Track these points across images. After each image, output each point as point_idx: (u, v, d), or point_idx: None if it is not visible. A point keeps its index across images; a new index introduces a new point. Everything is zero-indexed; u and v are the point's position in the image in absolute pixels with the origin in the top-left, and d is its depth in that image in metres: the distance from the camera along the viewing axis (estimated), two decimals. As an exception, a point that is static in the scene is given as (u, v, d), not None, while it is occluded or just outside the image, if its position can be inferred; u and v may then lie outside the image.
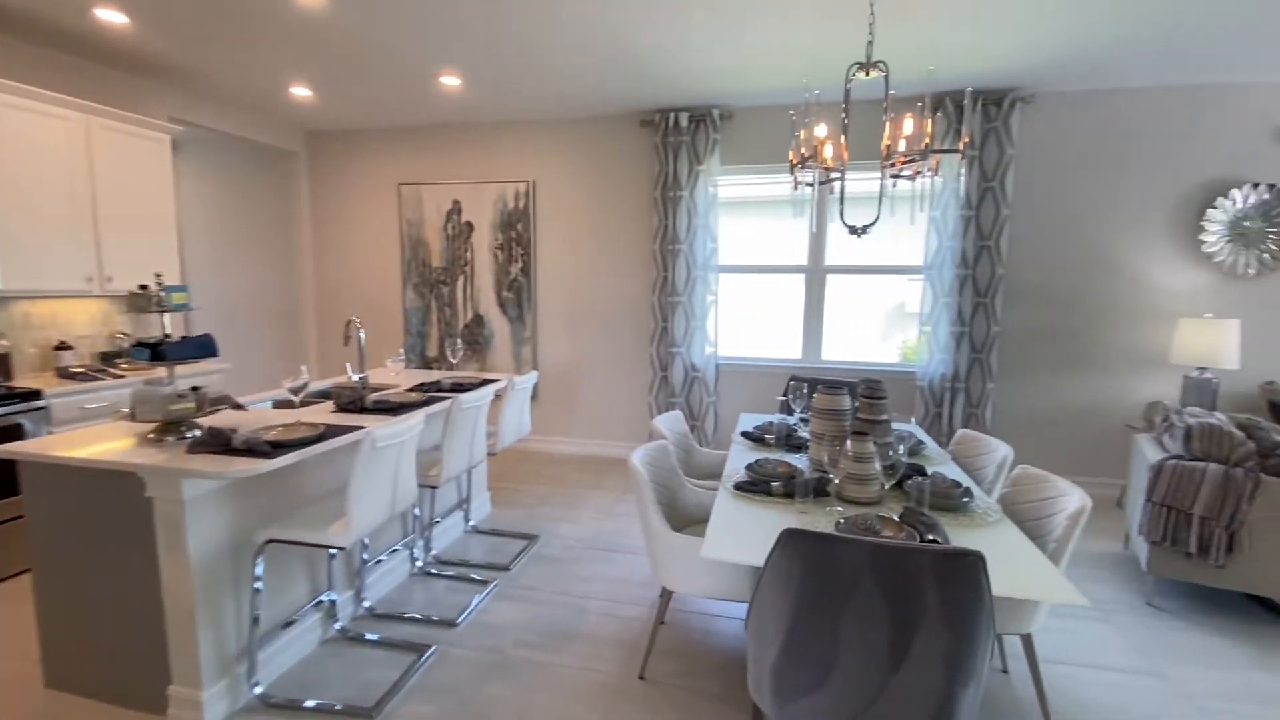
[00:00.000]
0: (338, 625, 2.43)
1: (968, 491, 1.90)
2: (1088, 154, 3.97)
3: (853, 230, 2.15)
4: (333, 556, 2.44)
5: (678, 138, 4.34)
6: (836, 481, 1.91)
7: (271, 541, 1.98)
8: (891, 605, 1.23)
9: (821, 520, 1.75)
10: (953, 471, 2.26)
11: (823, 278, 4.48)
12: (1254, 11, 2.79)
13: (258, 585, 2.02)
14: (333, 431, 2.16)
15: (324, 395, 3.01)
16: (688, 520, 2.40)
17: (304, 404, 2.64)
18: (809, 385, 3.29)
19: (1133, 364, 4.05)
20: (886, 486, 1.89)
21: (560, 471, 4.53)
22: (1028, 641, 1.88)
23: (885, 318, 5.13)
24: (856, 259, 4.50)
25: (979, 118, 3.94)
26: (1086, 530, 3.66)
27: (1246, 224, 3.79)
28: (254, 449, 1.88)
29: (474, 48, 3.31)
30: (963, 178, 3.99)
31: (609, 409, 4.88)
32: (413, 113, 4.61)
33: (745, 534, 1.65)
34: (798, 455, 2.42)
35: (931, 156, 1.93)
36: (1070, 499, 1.86)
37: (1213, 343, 3.57)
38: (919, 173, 2.01)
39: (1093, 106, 3.92)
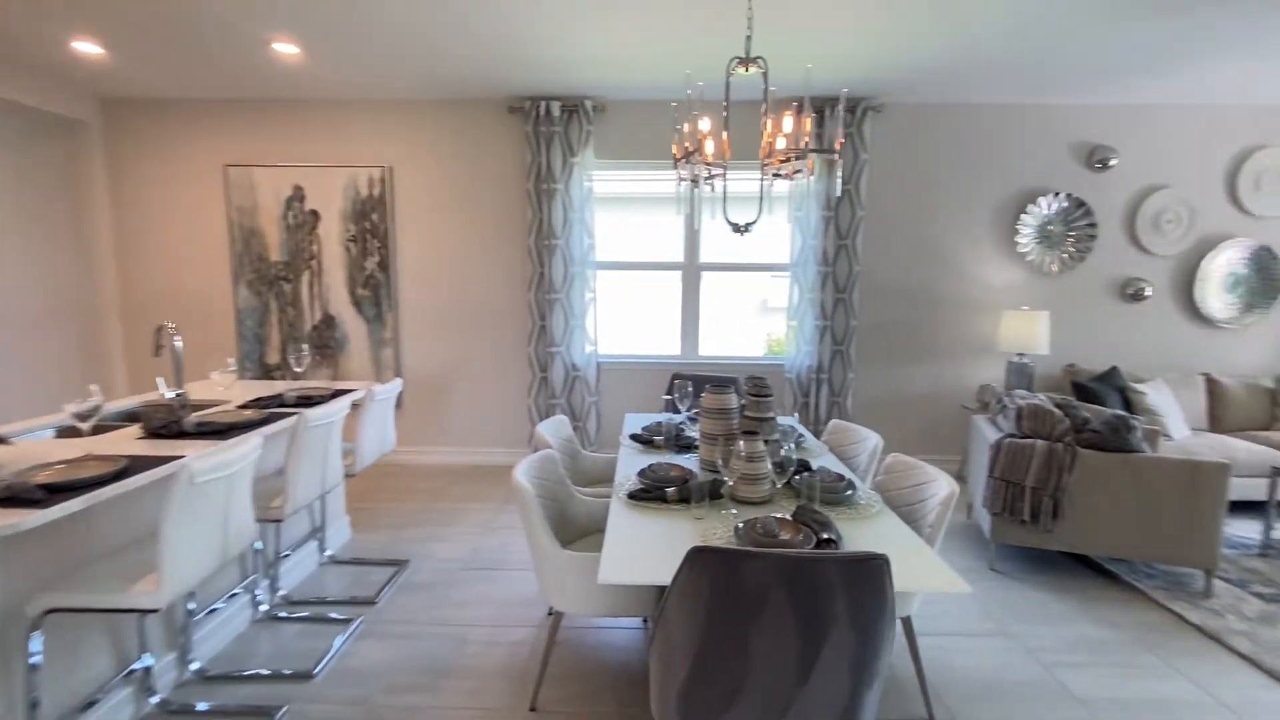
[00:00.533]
0: (156, 698, 2.00)
1: (851, 484, 1.95)
2: (929, 161, 4.36)
3: (736, 228, 2.12)
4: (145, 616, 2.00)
5: (550, 128, 4.16)
6: (730, 483, 1.87)
7: (53, 611, 1.56)
8: (801, 617, 1.19)
9: (719, 526, 1.69)
10: (832, 463, 2.33)
11: (698, 274, 4.53)
12: (1057, 43, 3.18)
13: (34, 659, 1.59)
14: (138, 465, 1.76)
15: (130, 418, 2.49)
16: (579, 532, 2.27)
17: (97, 431, 2.14)
18: (693, 383, 3.29)
19: (966, 351, 4.53)
20: (778, 485, 1.89)
21: (433, 485, 4.18)
22: (907, 624, 1.97)
23: (752, 313, 5.33)
24: (730, 256, 4.60)
25: (839, 123, 4.18)
26: (935, 504, 4.06)
27: (1051, 228, 4.37)
28: (18, 496, 1.46)
29: (313, 12, 2.90)
30: (838, 179, 4.21)
31: (486, 414, 4.60)
32: (240, 83, 3.99)
33: (644, 550, 1.55)
34: (688, 456, 2.38)
35: (809, 157, 1.95)
36: (939, 484, 1.97)
37: (1028, 332, 4.08)
38: (797, 172, 2.02)
39: (933, 118, 4.31)
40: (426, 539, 3.31)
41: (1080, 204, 4.32)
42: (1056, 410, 3.00)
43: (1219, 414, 4.18)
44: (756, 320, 5.28)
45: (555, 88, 4.03)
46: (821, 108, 4.16)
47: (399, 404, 4.59)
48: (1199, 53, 3.34)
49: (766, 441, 2.03)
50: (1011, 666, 2.25)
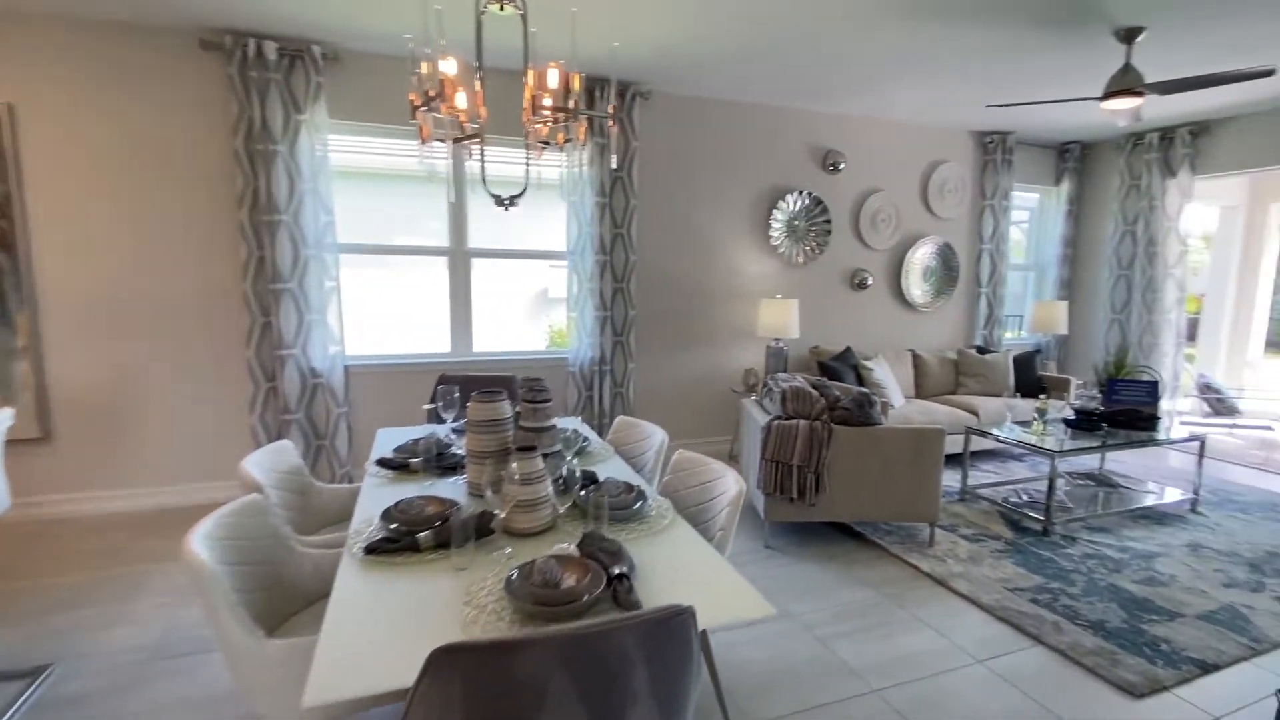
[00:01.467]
0: None
1: (640, 494, 1.74)
2: (695, 153, 4.45)
3: (500, 201, 1.77)
4: None
5: (264, 74, 3.30)
6: (502, 515, 1.53)
7: None
8: (592, 707, 0.91)
9: (488, 576, 1.34)
10: (619, 469, 2.12)
11: (468, 261, 4.05)
12: (795, 52, 3.39)
13: None
14: None
15: None
16: (303, 598, 1.72)
17: None
18: (462, 386, 2.85)
19: (733, 337, 4.77)
20: (560, 510, 1.60)
21: (107, 543, 3.10)
22: (703, 636, 1.84)
23: (534, 304, 5.01)
24: (504, 242, 4.20)
25: (608, 108, 4.02)
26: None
27: (796, 223, 4.79)
28: None
29: None
30: (611, 160, 4.04)
31: (188, 440, 3.56)
32: None
33: (384, 633, 1.13)
34: (455, 480, 1.97)
35: (579, 119, 1.67)
36: (727, 482, 1.86)
37: (782, 318, 4.41)
38: (568, 140, 1.74)
39: (697, 110, 4.40)
40: (90, 625, 2.38)
41: (819, 202, 4.80)
42: (814, 391, 3.21)
43: (922, 383, 5.01)
44: (539, 311, 4.97)
45: (270, 22, 3.19)
46: (592, 88, 3.97)
47: (47, 435, 3.32)
48: (889, 76, 3.85)
49: (546, 456, 1.72)
50: (794, 650, 2.29)
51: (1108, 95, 3.21)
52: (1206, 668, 2.17)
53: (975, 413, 4.49)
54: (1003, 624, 2.46)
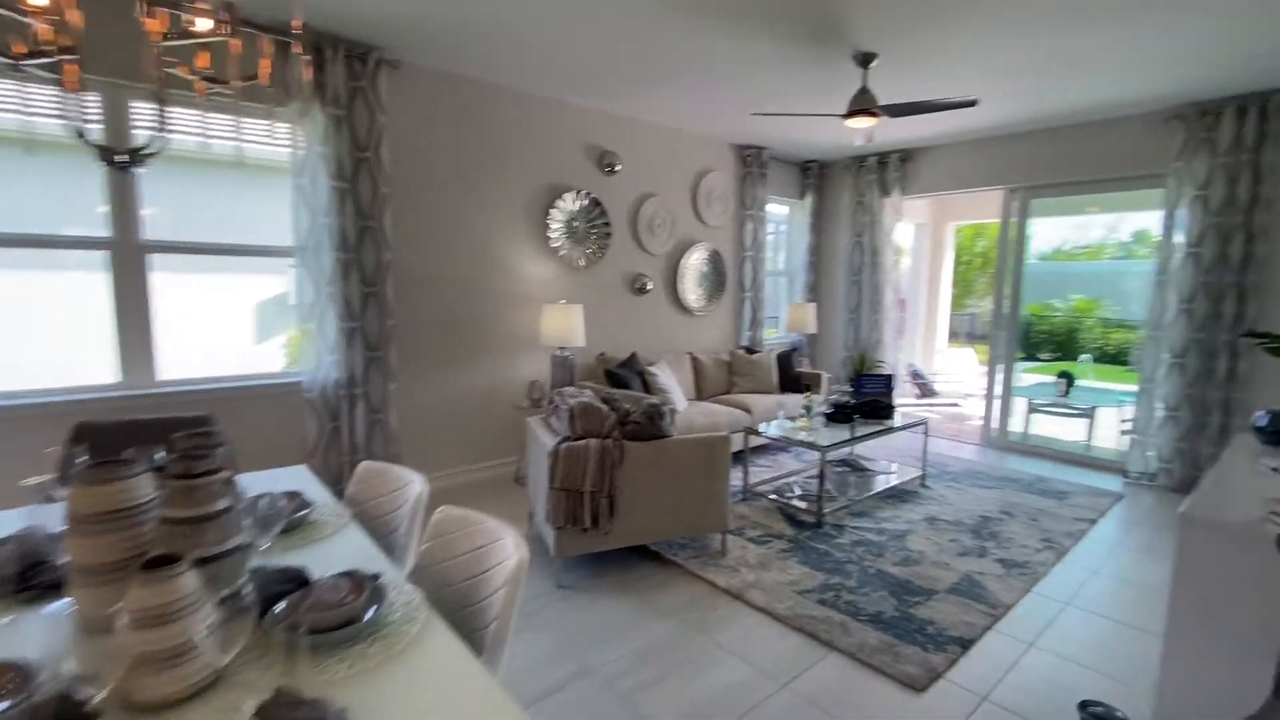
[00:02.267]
0: None
1: (377, 592, 1.22)
2: (460, 140, 3.90)
3: (110, 156, 1.10)
4: None
5: None
6: (104, 692, 0.90)
7: None
8: None
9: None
10: (353, 548, 1.55)
11: (141, 258, 2.98)
12: (549, 33, 3.09)
13: None
14: None
15: None
16: None
17: None
18: (111, 441, 1.96)
19: (514, 347, 4.32)
20: (230, 655, 1.01)
21: None
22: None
23: (261, 315, 3.98)
24: (198, 234, 3.20)
25: (343, 71, 3.28)
26: (494, 510, 3.71)
27: (576, 224, 4.51)
28: None
29: None
30: (344, 134, 3.27)
31: None
32: None
33: None
34: (55, 607, 1.21)
35: (263, 53, 1.10)
36: (505, 547, 1.43)
37: (566, 325, 4.09)
38: (249, 80, 1.14)
39: (459, 91, 3.85)
40: None
41: (597, 203, 4.59)
42: (604, 406, 2.92)
43: (701, 385, 5.11)
44: (275, 324, 3.94)
45: None
46: (321, 46, 3.20)
47: None
48: (656, 78, 3.79)
49: (212, 560, 1.11)
50: (594, 711, 1.95)
51: (849, 114, 3.48)
52: (965, 644, 2.34)
53: (749, 410, 4.68)
54: (799, 634, 2.42)
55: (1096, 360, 12.67)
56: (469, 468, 4.14)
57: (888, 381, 4.23)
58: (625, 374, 4.28)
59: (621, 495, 2.79)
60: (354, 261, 3.41)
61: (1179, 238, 4.18)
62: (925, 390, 6.61)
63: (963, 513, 3.71)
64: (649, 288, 5.02)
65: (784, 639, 2.39)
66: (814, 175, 6.27)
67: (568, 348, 4.16)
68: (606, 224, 4.65)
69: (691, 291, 5.36)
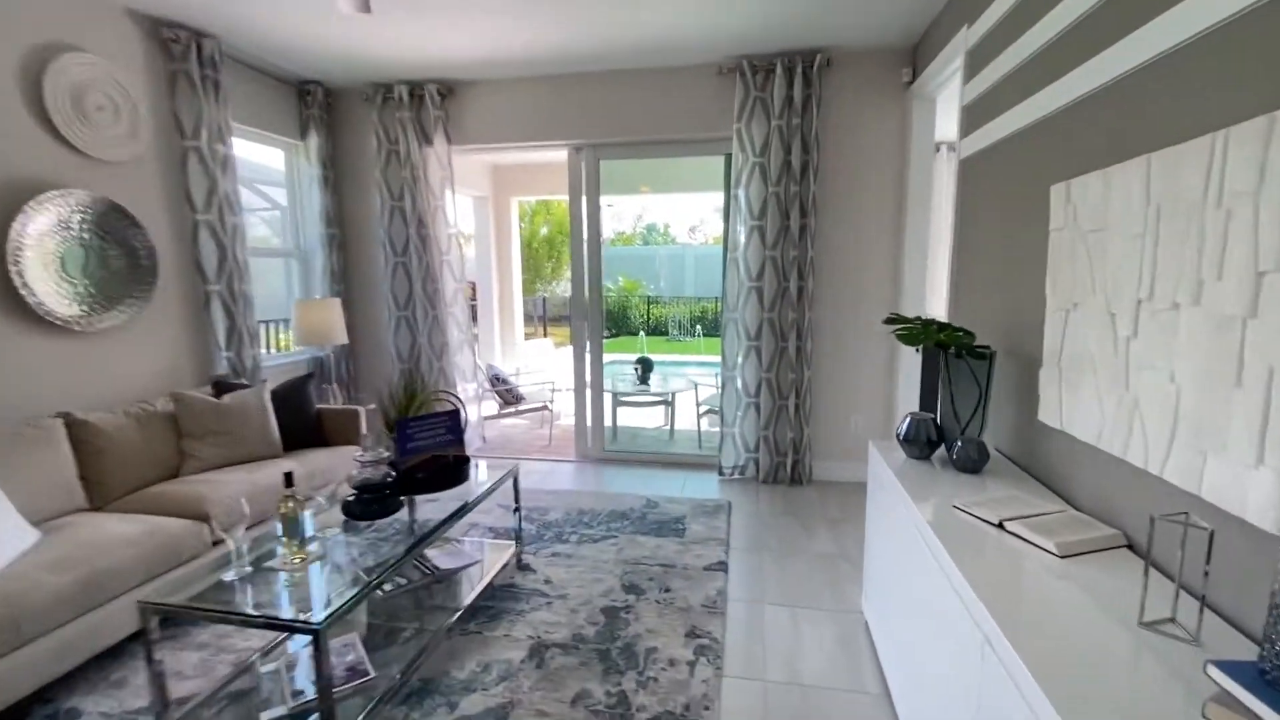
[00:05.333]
0: None
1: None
2: None
3: None
4: None
5: None
6: None
7: None
8: None
9: None
10: None
11: None
12: None
13: None
14: None
15: None
16: None
17: None
18: None
19: None
20: None
21: None
22: None
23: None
24: None
25: None
26: None
27: None
28: None
29: None
30: None
31: None
32: None
33: None
34: None
35: None
36: None
37: None
38: None
39: None
40: None
41: None
42: None
43: (102, 474, 2.60)
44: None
45: None
46: None
47: None
48: None
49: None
50: None
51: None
52: None
53: (204, 515, 2.46)
54: None
55: (678, 335, 14.26)
56: None
57: (452, 422, 2.62)
58: None
59: None
60: None
61: (744, 210, 3.77)
62: (510, 397, 5.38)
63: (580, 613, 2.43)
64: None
65: None
66: (318, 104, 4.16)
67: None
68: None
69: (51, 284, 2.69)
